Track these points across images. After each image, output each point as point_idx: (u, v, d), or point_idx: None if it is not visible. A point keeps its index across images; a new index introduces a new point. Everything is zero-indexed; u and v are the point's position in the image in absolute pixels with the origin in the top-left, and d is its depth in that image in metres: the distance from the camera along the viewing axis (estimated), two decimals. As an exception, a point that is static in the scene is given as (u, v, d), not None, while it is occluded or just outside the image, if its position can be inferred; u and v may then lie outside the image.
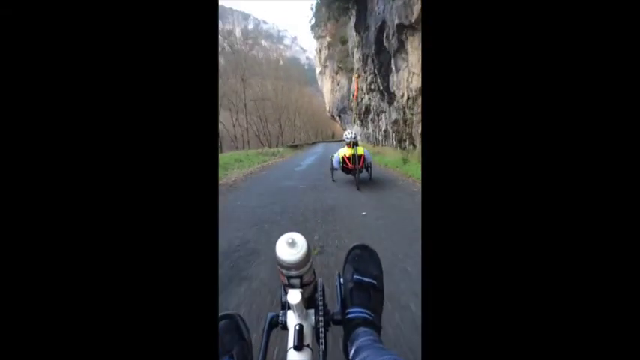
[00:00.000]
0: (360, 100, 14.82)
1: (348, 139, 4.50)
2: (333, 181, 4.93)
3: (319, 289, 0.48)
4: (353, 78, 18.09)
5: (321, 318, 0.44)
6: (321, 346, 0.41)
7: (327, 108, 36.05)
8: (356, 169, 4.29)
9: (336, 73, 27.70)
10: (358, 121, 17.70)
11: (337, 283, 0.55)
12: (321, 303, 0.46)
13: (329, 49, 29.62)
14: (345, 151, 4.46)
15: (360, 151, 4.40)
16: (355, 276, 0.53)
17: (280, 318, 0.45)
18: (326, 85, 35.45)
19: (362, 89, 13.92)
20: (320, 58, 33.74)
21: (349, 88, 23.77)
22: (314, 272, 0.48)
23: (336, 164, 4.65)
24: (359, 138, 5.68)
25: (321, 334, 0.42)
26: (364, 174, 4.69)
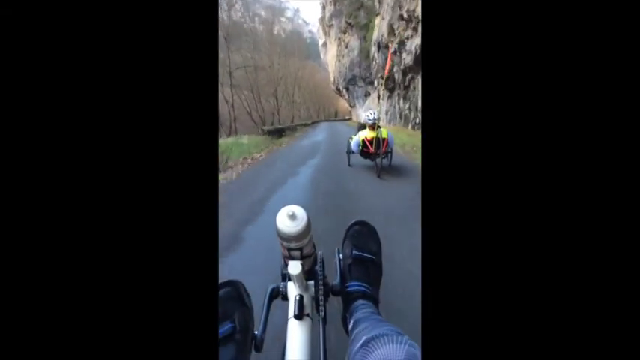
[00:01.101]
0: (396, 46, 8.87)
1: (370, 120, 3.99)
2: (349, 165, 4.49)
3: (319, 261, 0.50)
4: (368, 35, 12.63)
5: (320, 288, 0.46)
6: (321, 314, 0.44)
7: (332, 79, 29.92)
8: (378, 154, 3.85)
9: (344, 33, 21.94)
10: (383, 92, 11.55)
11: (337, 259, 0.56)
12: (320, 274, 0.48)
13: (335, 3, 23.83)
14: (367, 134, 4.01)
15: (384, 133, 3.92)
16: (354, 251, 0.55)
17: (281, 289, 0.47)
18: (330, 51, 29.55)
19: (406, 17, 8.28)
20: (324, 18, 27.80)
21: (361, 50, 18.43)
22: (314, 245, 0.50)
23: (354, 147, 4.20)
24: (386, 119, 6.63)
25: (321, 304, 0.45)
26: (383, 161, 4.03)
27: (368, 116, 4.02)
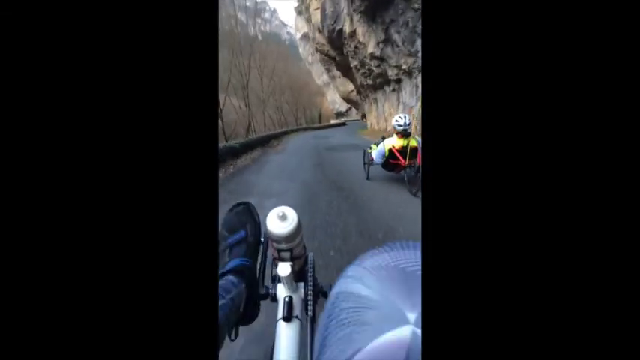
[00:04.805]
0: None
1: (400, 126, 3.48)
2: (368, 179, 4.02)
3: (309, 262, 0.51)
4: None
5: (310, 290, 0.47)
6: (309, 314, 0.44)
7: (318, 27, 15.04)
8: (411, 165, 3.46)
9: None
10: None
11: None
12: (310, 276, 0.48)
13: None
14: (395, 142, 3.53)
15: (414, 142, 3.50)
16: None
17: (270, 290, 0.48)
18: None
19: None
20: None
21: None
22: (304, 246, 0.50)
23: (378, 158, 3.67)
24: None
25: (309, 305, 0.45)
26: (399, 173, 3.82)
27: (397, 121, 3.55)
